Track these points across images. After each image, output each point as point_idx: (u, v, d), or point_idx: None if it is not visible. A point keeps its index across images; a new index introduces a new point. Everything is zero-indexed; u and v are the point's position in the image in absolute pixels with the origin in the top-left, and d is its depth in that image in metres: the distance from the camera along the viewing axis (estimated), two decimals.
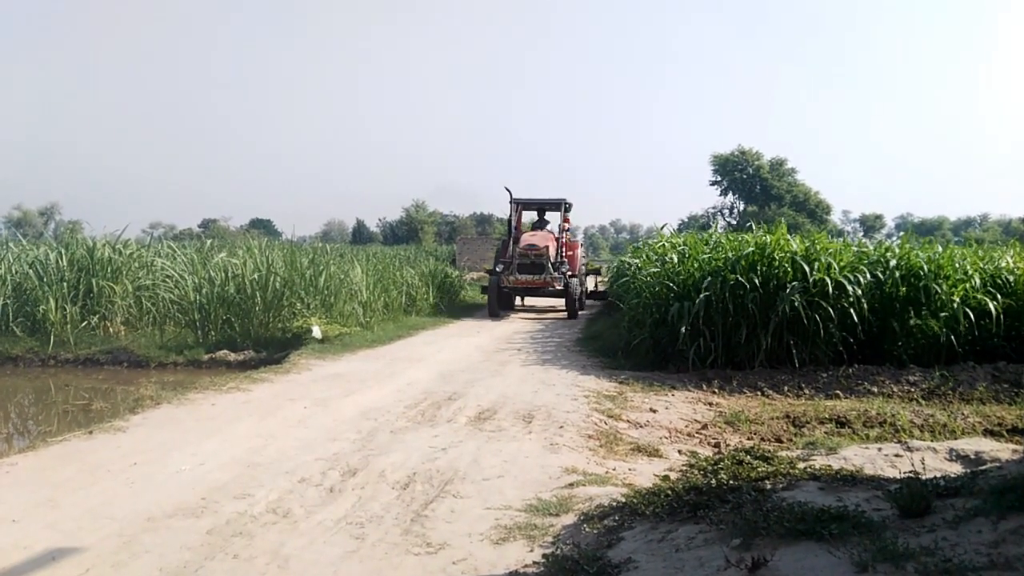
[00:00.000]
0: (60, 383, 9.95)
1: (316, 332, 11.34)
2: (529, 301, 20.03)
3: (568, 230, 18.79)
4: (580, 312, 17.64)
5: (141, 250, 14.21)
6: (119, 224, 20.49)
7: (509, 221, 18.53)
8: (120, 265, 12.76)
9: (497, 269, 17.27)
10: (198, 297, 12.02)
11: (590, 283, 20.95)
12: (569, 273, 17.22)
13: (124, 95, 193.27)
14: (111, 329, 12.02)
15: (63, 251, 12.85)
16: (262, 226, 77.28)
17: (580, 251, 19.06)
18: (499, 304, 17.07)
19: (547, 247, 16.75)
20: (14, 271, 12.44)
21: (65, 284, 12.01)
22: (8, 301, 11.75)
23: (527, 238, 17.43)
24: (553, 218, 19.48)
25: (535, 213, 19.83)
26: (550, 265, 16.63)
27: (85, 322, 11.85)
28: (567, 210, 19.00)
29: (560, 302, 18.23)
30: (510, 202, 18.33)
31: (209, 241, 19.47)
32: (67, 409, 8.48)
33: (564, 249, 17.79)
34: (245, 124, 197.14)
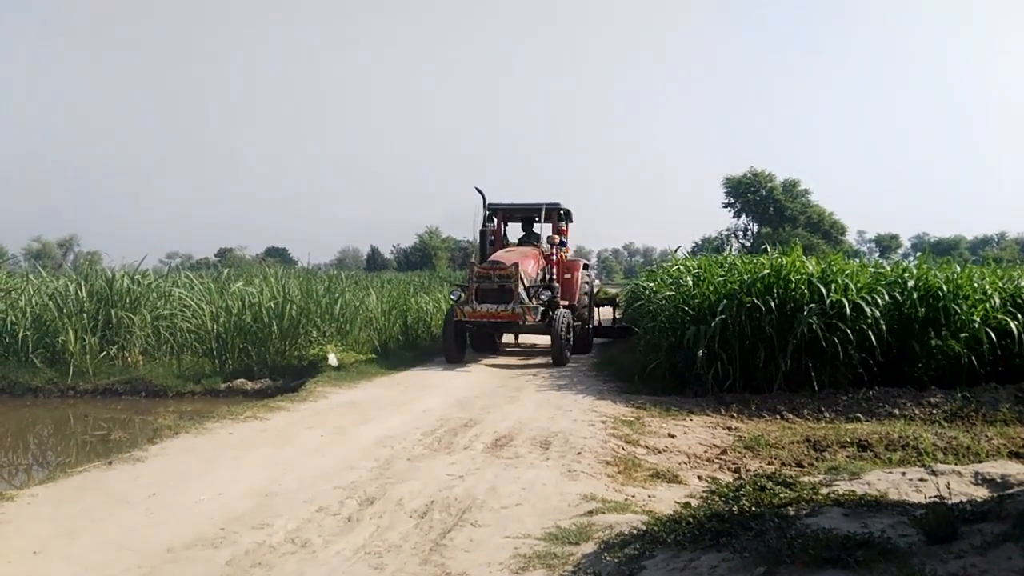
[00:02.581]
0: (79, 413, 10.02)
1: (332, 359, 11.39)
2: (526, 339, 15.60)
3: (562, 243, 14.34)
4: (582, 352, 13.82)
5: (159, 280, 14.35)
6: (137, 254, 20.71)
7: (483, 235, 13.88)
8: (139, 295, 12.87)
9: (452, 297, 12.97)
10: (215, 326, 12.11)
11: (605, 315, 17.10)
12: (564, 302, 13.26)
13: (141, 127, 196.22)
14: (130, 359, 12.11)
15: (82, 282, 12.97)
16: (278, 254, 77.71)
17: (583, 273, 14.60)
18: (459, 344, 12.60)
19: (516, 265, 12.31)
20: (34, 303, 12.58)
21: (84, 315, 12.13)
22: (28, 332, 11.87)
23: (498, 255, 13.10)
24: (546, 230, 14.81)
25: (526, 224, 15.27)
26: (522, 290, 12.24)
27: (104, 352, 11.94)
28: (562, 219, 14.55)
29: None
30: (484, 209, 13.90)
31: (226, 270, 19.61)
32: (86, 439, 8.54)
33: (556, 269, 13.71)
34: (260, 154, 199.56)
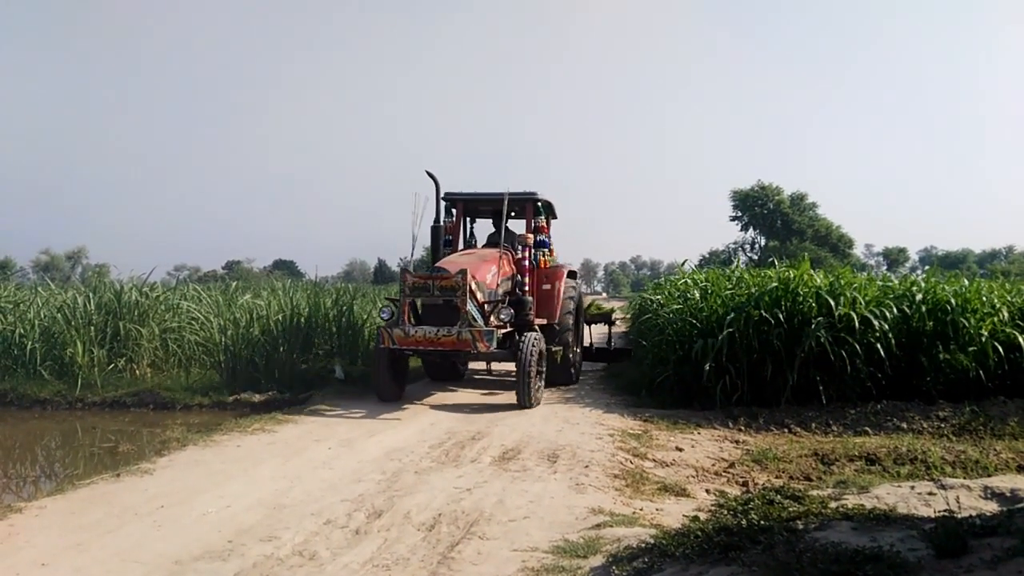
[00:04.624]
0: (87, 426, 10.03)
1: (339, 372, 11.39)
2: (500, 364, 11.78)
3: (541, 244, 11.39)
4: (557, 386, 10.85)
5: (167, 293, 14.39)
6: (145, 267, 20.79)
7: (435, 232, 10.49)
8: (147, 308, 12.89)
9: (382, 316, 9.89)
10: (223, 339, 12.12)
11: (600, 332, 14.61)
12: (540, 321, 10.49)
13: (149, 139, 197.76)
14: (137, 371, 12.13)
15: (91, 295, 13.02)
16: (285, 267, 78.01)
17: (567, 284, 11.41)
18: (395, 376, 9.75)
19: (463, 273, 9.14)
20: (42, 315, 12.63)
21: (92, 327, 12.16)
22: (36, 345, 11.91)
23: (445, 261, 9.86)
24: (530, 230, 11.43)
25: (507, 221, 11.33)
26: (474, 307, 9.28)
27: (112, 365, 11.95)
28: (540, 213, 11.48)
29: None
30: (439, 200, 10.49)
31: (234, 283, 19.65)
32: (94, 452, 8.55)
33: (528, 279, 10.85)
34: (268, 167, 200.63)
